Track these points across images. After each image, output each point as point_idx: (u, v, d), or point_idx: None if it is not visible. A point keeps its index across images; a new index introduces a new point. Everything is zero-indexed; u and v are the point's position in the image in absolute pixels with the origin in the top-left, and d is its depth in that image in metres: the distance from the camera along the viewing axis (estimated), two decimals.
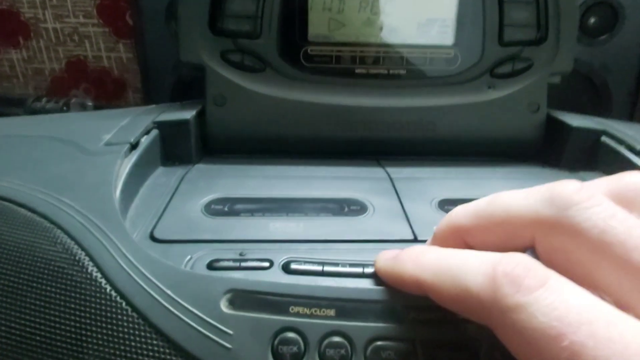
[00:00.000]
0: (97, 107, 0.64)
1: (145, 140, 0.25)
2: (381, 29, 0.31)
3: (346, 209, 0.23)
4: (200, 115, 0.30)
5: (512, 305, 0.11)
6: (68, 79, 0.76)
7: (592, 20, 0.52)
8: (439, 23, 0.31)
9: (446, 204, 0.24)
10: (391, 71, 0.31)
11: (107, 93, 0.75)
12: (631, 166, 0.27)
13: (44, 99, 0.64)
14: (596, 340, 0.10)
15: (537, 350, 0.11)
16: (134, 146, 0.24)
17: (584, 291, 0.11)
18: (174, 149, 0.28)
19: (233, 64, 0.30)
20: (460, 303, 0.13)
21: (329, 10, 0.30)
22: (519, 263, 0.12)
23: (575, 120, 0.31)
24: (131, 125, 0.26)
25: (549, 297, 0.11)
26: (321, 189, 0.25)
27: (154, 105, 0.32)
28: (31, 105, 0.61)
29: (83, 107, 0.63)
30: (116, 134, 0.25)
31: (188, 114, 0.28)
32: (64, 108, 0.62)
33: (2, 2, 0.71)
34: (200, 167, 0.28)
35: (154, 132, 0.27)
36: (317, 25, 0.30)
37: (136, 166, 0.23)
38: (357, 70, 0.31)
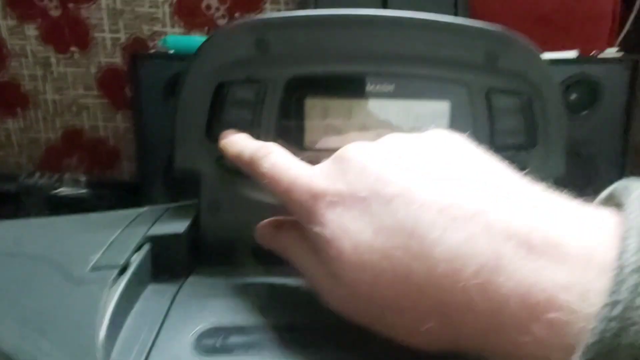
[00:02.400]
0: (89, 180, 0.64)
1: (135, 259, 0.25)
2: (378, 135, 0.31)
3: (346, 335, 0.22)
4: (194, 223, 0.29)
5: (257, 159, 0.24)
6: (62, 149, 0.76)
7: (573, 96, 0.55)
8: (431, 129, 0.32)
9: None
10: None
11: (101, 162, 0.75)
12: None
13: (37, 174, 0.63)
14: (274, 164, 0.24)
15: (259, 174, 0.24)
16: (123, 269, 0.23)
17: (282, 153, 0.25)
18: (166, 263, 0.27)
19: (229, 170, 0.30)
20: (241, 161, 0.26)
21: (326, 119, 0.31)
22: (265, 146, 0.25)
23: None
24: (121, 241, 0.26)
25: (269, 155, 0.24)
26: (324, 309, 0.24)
27: (147, 208, 0.32)
28: (24, 181, 0.61)
29: (76, 182, 0.63)
30: (105, 254, 0.24)
31: (181, 226, 0.28)
32: (57, 183, 0.62)
33: (4, 74, 0.73)
34: (192, 281, 0.27)
35: (146, 248, 0.26)
36: (314, 132, 0.31)
37: (125, 293, 0.22)
38: None
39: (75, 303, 0.21)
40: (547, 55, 0.58)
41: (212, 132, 0.30)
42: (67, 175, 0.62)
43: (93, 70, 0.73)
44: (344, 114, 0.31)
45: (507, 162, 0.33)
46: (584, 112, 0.54)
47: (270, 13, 0.30)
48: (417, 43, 0.31)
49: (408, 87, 0.31)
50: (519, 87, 0.32)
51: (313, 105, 0.31)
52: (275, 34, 0.29)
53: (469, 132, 0.31)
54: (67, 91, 0.74)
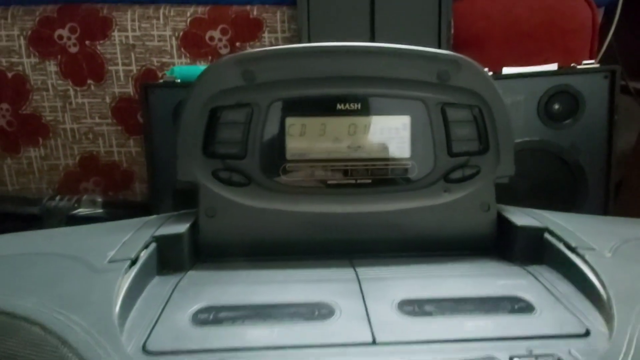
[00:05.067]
0: (105, 201, 0.70)
1: (144, 255, 0.30)
2: (349, 147, 0.37)
3: (316, 313, 0.27)
4: (194, 226, 0.35)
5: None
6: (80, 173, 0.82)
7: (555, 106, 0.58)
8: (397, 140, 0.37)
9: (405, 305, 0.28)
10: (359, 181, 0.37)
11: (115, 184, 0.81)
12: (569, 262, 0.31)
13: (57, 197, 0.69)
14: None
15: None
16: (134, 262, 0.29)
17: None
18: (170, 259, 0.32)
19: (222, 181, 0.36)
20: None
21: (303, 134, 0.36)
22: None
23: (521, 219, 0.36)
24: (132, 241, 0.31)
25: None
26: (296, 293, 0.29)
27: (155, 217, 0.37)
28: (46, 204, 0.67)
29: (93, 203, 0.69)
30: (119, 250, 0.30)
31: (182, 227, 0.33)
32: (75, 205, 0.68)
33: (27, 107, 0.79)
34: (191, 274, 0.32)
35: (152, 245, 0.31)
36: (294, 146, 0.36)
37: (135, 280, 0.28)
38: (330, 182, 0.37)
39: (96, 287, 0.26)
40: (529, 69, 0.62)
41: (208, 149, 0.35)
42: (85, 197, 0.68)
43: (108, 100, 0.80)
44: (318, 130, 0.36)
45: (462, 167, 0.38)
46: (567, 121, 0.58)
47: (254, 49, 0.36)
48: (380, 67, 0.36)
49: (373, 105, 0.37)
50: (469, 101, 0.37)
51: (292, 124, 0.36)
52: (258, 66, 0.35)
53: (427, 142, 0.36)
54: (84, 120, 0.80)
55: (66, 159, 0.81)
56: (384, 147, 0.37)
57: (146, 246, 0.31)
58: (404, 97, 0.37)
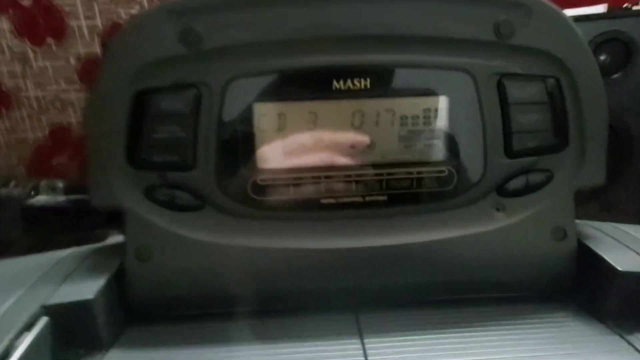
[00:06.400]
0: (68, 186, 0.59)
1: (23, 342, 0.19)
2: (353, 147, 0.24)
3: None
4: (118, 275, 0.23)
5: None
6: (52, 147, 0.73)
7: (602, 57, 0.48)
8: (427, 135, 0.24)
9: None
10: (367, 198, 0.24)
11: None
12: None
13: (12, 183, 0.59)
14: None
15: None
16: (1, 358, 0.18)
17: None
18: (75, 336, 0.21)
19: (160, 204, 0.24)
20: None
21: (282, 129, 0.23)
22: None
23: (618, 256, 0.23)
24: (9, 315, 0.20)
25: None
26: None
27: (69, 252, 0.26)
28: None
29: (53, 189, 0.58)
30: None
31: (93, 288, 0.21)
32: (32, 192, 0.58)
33: None
34: (113, 356, 0.21)
35: (41, 322, 0.20)
36: (269, 149, 0.24)
37: None
38: (324, 201, 0.24)
39: None
40: (571, 12, 0.49)
41: (135, 156, 0.23)
42: (43, 183, 0.57)
43: (72, 62, 0.68)
44: (305, 122, 0.23)
45: (526, 172, 0.26)
46: (615, 75, 0.48)
47: None
48: (401, 19, 0.23)
49: (389, 81, 0.23)
50: (543, 69, 0.24)
51: (264, 113, 0.23)
52: (206, 22, 0.22)
53: (473, 136, 0.24)
54: (49, 86, 0.69)
55: (35, 131, 0.73)
56: (407, 146, 0.24)
57: (30, 325, 0.20)
58: (438, 66, 0.23)
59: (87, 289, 0.21)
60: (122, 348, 0.22)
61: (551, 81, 0.24)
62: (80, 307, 0.21)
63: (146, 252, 0.23)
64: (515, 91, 0.24)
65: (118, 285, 0.23)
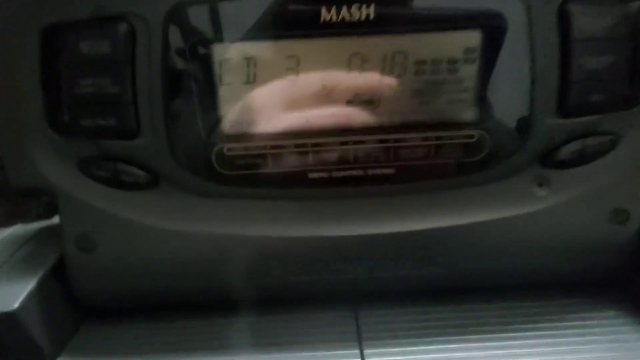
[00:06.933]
0: None
1: None
2: (349, 102, 0.18)
3: None
4: (57, 269, 0.19)
5: None
6: None
7: None
8: (449, 87, 0.17)
9: None
10: (370, 172, 0.18)
11: None
12: None
13: None
14: None
15: None
16: None
17: None
18: (5, 351, 0.17)
19: (101, 181, 0.18)
20: None
21: (253, 80, 0.17)
22: None
23: None
24: None
25: None
26: None
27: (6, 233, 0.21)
28: None
29: None
30: None
31: (19, 294, 0.17)
32: None
33: None
34: None
35: None
36: (236, 108, 0.18)
37: None
38: (311, 175, 0.18)
39: None
40: None
41: (57, 118, 0.17)
42: None
43: None
44: (283, 69, 0.17)
45: (584, 136, 0.19)
46: None
47: None
48: None
49: (400, 10, 0.16)
50: None
51: (228, 57, 0.17)
52: None
53: (515, 88, 0.17)
54: None
55: None
56: (423, 103, 0.18)
57: None
58: None
59: (12, 295, 0.17)
60: (74, 349, 0.18)
61: (630, 8, 0.17)
62: (4, 320, 0.16)
63: (89, 241, 0.18)
64: (582, 21, 0.17)
65: (60, 278, 0.19)
